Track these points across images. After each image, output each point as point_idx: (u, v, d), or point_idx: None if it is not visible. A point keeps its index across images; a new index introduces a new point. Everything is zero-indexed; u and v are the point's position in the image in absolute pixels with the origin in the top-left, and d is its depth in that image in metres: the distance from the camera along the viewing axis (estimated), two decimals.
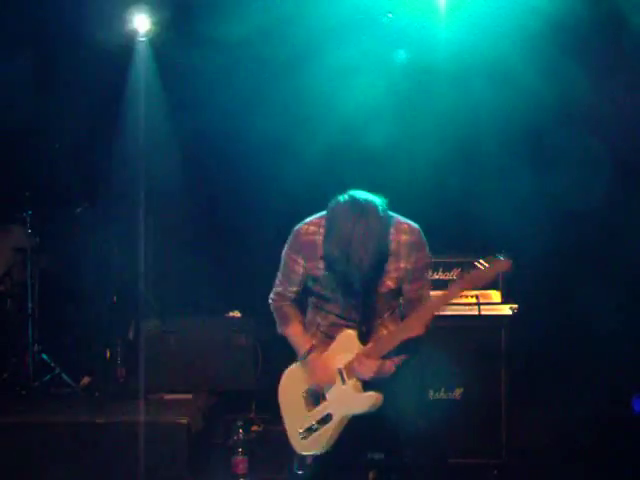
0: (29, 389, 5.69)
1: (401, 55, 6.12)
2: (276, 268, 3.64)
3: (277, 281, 3.61)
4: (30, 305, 5.91)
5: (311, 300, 3.62)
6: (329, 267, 3.34)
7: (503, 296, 4.87)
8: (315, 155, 5.86)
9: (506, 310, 4.81)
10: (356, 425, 3.48)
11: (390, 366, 3.40)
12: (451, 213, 6.03)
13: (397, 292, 3.51)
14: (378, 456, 4.34)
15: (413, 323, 3.35)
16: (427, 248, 3.47)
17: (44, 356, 5.88)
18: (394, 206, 3.44)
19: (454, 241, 5.71)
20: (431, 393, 4.75)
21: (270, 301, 3.65)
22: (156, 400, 5.56)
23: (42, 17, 6.10)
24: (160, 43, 6.38)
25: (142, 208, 6.48)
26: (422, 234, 3.46)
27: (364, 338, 3.46)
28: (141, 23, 6.37)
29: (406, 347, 3.39)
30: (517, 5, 5.72)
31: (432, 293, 3.56)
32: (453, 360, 4.69)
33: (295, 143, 6.01)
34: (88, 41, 6.06)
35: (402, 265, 3.40)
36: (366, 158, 5.89)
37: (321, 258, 3.37)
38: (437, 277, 4.88)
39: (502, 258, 3.24)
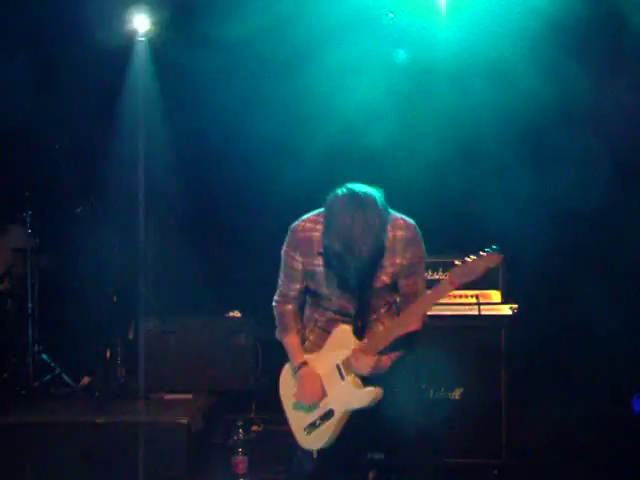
0: (29, 389, 5.69)
1: (401, 55, 6.12)
2: (276, 268, 3.64)
3: (279, 281, 3.61)
4: (30, 305, 5.92)
5: (308, 297, 3.62)
6: (327, 262, 3.35)
7: (503, 296, 4.87)
8: (315, 155, 5.86)
9: (506, 310, 4.81)
10: (355, 424, 3.48)
11: (386, 361, 3.40)
12: (451, 213, 6.03)
13: (392, 287, 3.51)
14: (378, 456, 4.34)
15: (408, 318, 3.35)
16: (422, 244, 3.48)
17: (44, 356, 5.88)
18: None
19: (454, 241, 5.70)
20: (431, 393, 4.75)
21: (274, 304, 3.65)
22: (156, 400, 5.57)
23: (42, 17, 6.10)
24: (160, 43, 6.38)
25: (142, 208, 6.48)
26: (418, 230, 3.47)
27: (359, 333, 3.47)
28: (141, 23, 6.37)
29: (402, 343, 3.39)
30: (517, 5, 5.72)
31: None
32: (453, 360, 4.69)
33: (295, 143, 6.01)
34: (88, 41, 6.06)
35: (397, 261, 3.41)
36: (366, 158, 5.89)
37: (318, 254, 3.39)
38: (437, 277, 4.88)
39: (492, 252, 3.22)
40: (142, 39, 6.40)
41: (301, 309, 3.67)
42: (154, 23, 6.38)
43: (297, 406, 3.54)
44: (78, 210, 6.02)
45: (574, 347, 5.87)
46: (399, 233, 3.40)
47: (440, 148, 5.90)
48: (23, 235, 5.98)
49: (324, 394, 3.48)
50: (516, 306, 4.81)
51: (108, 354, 5.90)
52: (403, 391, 3.49)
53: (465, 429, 4.70)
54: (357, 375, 3.41)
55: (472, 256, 3.22)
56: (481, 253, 3.21)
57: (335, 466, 3.60)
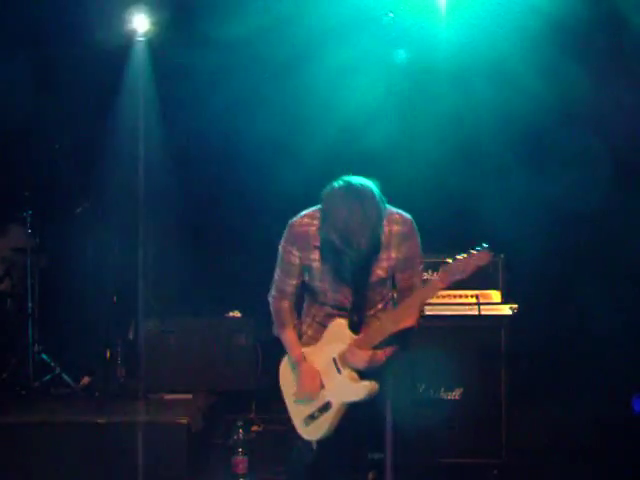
0: (29, 389, 5.69)
1: (401, 55, 6.12)
2: None
3: (276, 276, 3.63)
4: (30, 305, 5.91)
5: (306, 292, 3.64)
6: (324, 256, 3.39)
7: (503, 296, 4.87)
8: (314, 155, 5.86)
9: (506, 310, 4.81)
10: (353, 418, 3.50)
11: (381, 356, 3.42)
12: (451, 213, 6.03)
13: (389, 282, 3.53)
14: (378, 456, 4.35)
15: (403, 313, 3.37)
16: (418, 239, 3.50)
17: (44, 356, 5.88)
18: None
19: (454, 241, 5.70)
20: (431, 393, 4.75)
21: (270, 299, 3.66)
22: (156, 400, 5.57)
23: (41, 17, 6.10)
24: (159, 43, 6.38)
25: (142, 208, 6.48)
26: (414, 224, 3.49)
27: (355, 328, 3.49)
28: (140, 23, 6.36)
29: (397, 338, 3.41)
30: (517, 5, 5.72)
31: None
32: (453, 360, 4.69)
33: (294, 143, 6.01)
34: (88, 41, 6.06)
35: (393, 255, 3.43)
36: (366, 158, 5.86)
37: (315, 248, 3.42)
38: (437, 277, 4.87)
39: (482, 250, 3.23)
40: (141, 39, 6.40)
41: (299, 304, 3.69)
42: (153, 23, 6.38)
43: (296, 398, 3.57)
44: (78, 210, 6.02)
45: (574, 347, 5.88)
46: (395, 228, 3.42)
47: (440, 148, 5.91)
48: (23, 235, 5.98)
49: (322, 387, 3.50)
50: (516, 306, 4.81)
51: (108, 354, 5.89)
52: (395, 391, 3.52)
53: (465, 429, 4.70)
54: (353, 369, 3.43)
55: (463, 254, 3.25)
56: (471, 251, 3.25)
57: (333, 458, 3.63)
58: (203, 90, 6.28)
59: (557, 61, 5.79)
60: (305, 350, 3.56)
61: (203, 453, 5.10)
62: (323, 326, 3.57)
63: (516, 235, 5.48)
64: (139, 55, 6.41)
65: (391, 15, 6.01)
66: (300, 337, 3.62)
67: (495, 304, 4.86)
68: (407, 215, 3.48)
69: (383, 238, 3.38)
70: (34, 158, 6.32)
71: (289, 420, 3.61)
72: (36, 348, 5.86)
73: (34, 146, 6.34)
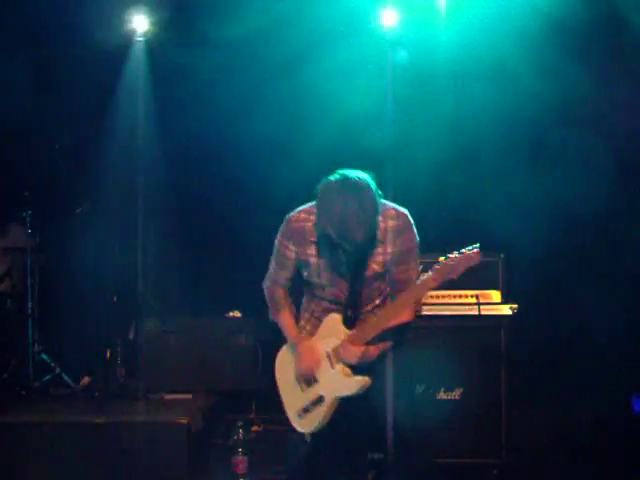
0: (29, 389, 5.69)
1: (402, 56, 6.12)
2: None
3: (271, 268, 3.67)
4: (30, 305, 5.92)
5: (305, 287, 3.67)
6: (321, 251, 3.42)
7: (503, 296, 4.87)
8: (313, 156, 5.85)
9: (506, 310, 4.81)
10: (347, 414, 3.53)
11: (374, 351, 3.45)
12: (451, 213, 6.04)
13: (385, 277, 3.53)
14: (378, 456, 4.35)
15: (397, 309, 3.40)
16: (414, 233, 3.50)
17: (44, 356, 5.88)
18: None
19: (454, 241, 5.69)
20: (431, 393, 4.75)
21: (264, 287, 3.70)
22: (156, 400, 5.56)
23: (41, 17, 6.09)
24: (158, 43, 6.37)
25: (142, 208, 6.48)
26: (409, 218, 3.50)
27: (349, 323, 3.51)
28: (139, 23, 6.35)
29: (392, 334, 3.44)
30: (517, 6, 5.72)
31: None
32: (453, 360, 4.69)
33: (293, 144, 6.01)
34: (87, 41, 6.06)
35: (389, 249, 3.45)
36: (365, 159, 5.85)
37: (311, 243, 3.45)
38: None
39: (472, 250, 3.27)
40: (141, 39, 6.39)
41: (298, 299, 3.72)
42: (153, 23, 6.36)
43: (291, 390, 3.61)
44: (78, 210, 6.02)
45: (574, 347, 5.88)
46: (390, 223, 3.44)
47: (440, 148, 5.91)
48: (23, 235, 5.98)
49: (315, 381, 3.53)
50: (516, 306, 4.81)
51: (108, 354, 5.90)
52: (396, 389, 3.54)
53: (465, 429, 4.70)
54: (346, 364, 3.46)
55: (455, 254, 3.28)
56: (463, 251, 3.28)
57: (331, 456, 3.69)
58: (202, 90, 6.28)
59: (557, 61, 5.80)
60: None
61: (203, 453, 5.10)
62: (320, 321, 3.60)
63: (516, 235, 5.47)
64: (138, 55, 6.39)
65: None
66: (297, 323, 3.66)
67: (495, 304, 4.86)
68: (402, 210, 3.51)
69: (379, 234, 3.41)
70: (34, 158, 6.32)
71: (289, 420, 3.62)
72: (36, 348, 5.86)
73: (34, 146, 6.34)
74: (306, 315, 3.67)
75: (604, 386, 5.43)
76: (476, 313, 4.80)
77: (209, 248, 6.60)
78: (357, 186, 3.29)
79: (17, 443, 4.82)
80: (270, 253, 3.74)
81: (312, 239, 3.45)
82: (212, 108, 6.20)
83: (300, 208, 3.55)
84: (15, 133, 6.20)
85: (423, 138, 5.97)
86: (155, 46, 6.38)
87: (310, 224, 3.45)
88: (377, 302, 3.57)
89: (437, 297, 4.88)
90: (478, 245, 3.29)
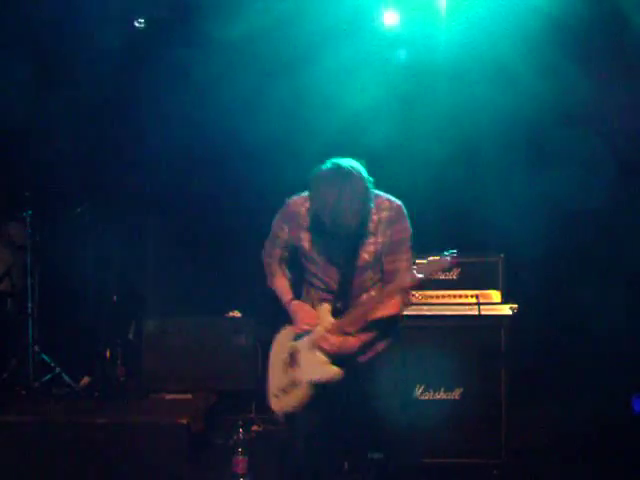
0: (29, 389, 5.69)
1: (402, 55, 6.12)
2: None
3: (266, 242, 3.77)
4: (30, 305, 5.92)
5: (304, 276, 3.72)
6: (314, 239, 3.48)
7: (503, 296, 4.87)
8: (315, 155, 5.79)
9: (506, 310, 4.81)
10: (343, 412, 3.56)
11: (354, 343, 3.49)
12: (451, 213, 6.03)
13: (376, 266, 3.55)
14: (378, 456, 4.35)
15: (379, 300, 3.44)
16: (406, 223, 3.53)
17: (44, 356, 5.88)
18: None
19: (454, 241, 5.69)
20: (431, 393, 4.75)
21: (262, 256, 3.80)
22: (156, 400, 5.57)
23: (42, 17, 6.09)
24: (159, 42, 6.37)
25: (142, 208, 6.48)
26: (402, 210, 3.53)
27: (338, 314, 3.55)
28: (143, 22, 6.35)
29: (376, 326, 3.47)
30: (517, 5, 5.72)
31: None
32: (453, 360, 4.69)
33: (294, 144, 6.01)
34: (88, 41, 6.06)
35: (380, 239, 3.49)
36: (366, 158, 5.87)
37: (305, 229, 3.52)
38: (437, 277, 4.87)
39: (445, 255, 3.33)
40: (142, 38, 6.39)
41: (299, 287, 3.77)
42: (154, 23, 6.37)
43: (275, 370, 3.70)
44: (78, 210, 6.03)
45: (574, 347, 5.87)
46: (383, 214, 3.49)
47: (440, 148, 5.90)
48: (23, 235, 5.98)
49: (297, 365, 3.58)
50: (516, 306, 4.81)
51: (108, 354, 5.90)
52: (384, 390, 3.59)
53: (465, 429, 4.70)
54: (325, 354, 3.51)
55: (435, 257, 3.34)
56: (444, 254, 3.34)
57: (327, 453, 3.77)
58: (203, 90, 6.28)
59: (557, 61, 5.79)
60: (291, 327, 3.66)
61: (203, 453, 5.10)
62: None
63: (516, 235, 5.48)
64: (139, 54, 6.40)
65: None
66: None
67: (495, 304, 4.86)
68: (396, 201, 3.55)
69: (372, 224, 3.45)
70: (34, 158, 6.32)
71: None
72: (36, 348, 5.86)
73: (34, 146, 6.34)
74: (307, 303, 3.69)
75: (604, 386, 5.43)
76: (476, 313, 4.80)
77: (209, 248, 6.60)
78: (349, 174, 3.34)
79: (17, 443, 4.83)
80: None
81: (305, 224, 3.51)
82: (213, 107, 6.20)
83: (300, 194, 3.60)
84: (15, 133, 6.20)
85: (423, 138, 5.97)
86: (156, 45, 6.38)
87: (304, 209, 3.52)
88: (372, 293, 3.58)
89: (437, 297, 4.88)
90: (455, 251, 3.34)
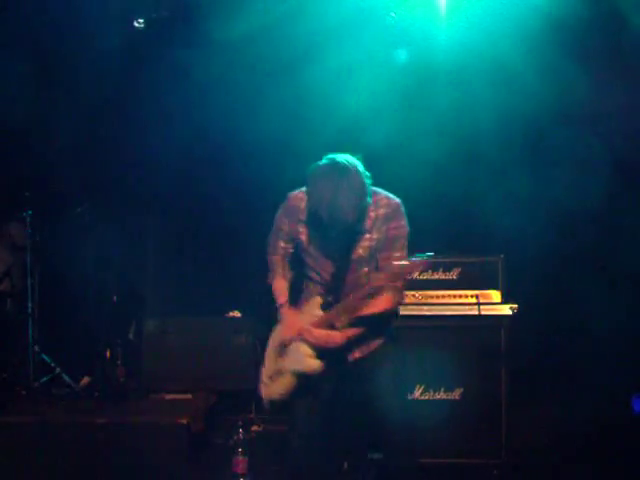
0: (29, 389, 5.69)
1: (402, 55, 6.12)
2: None
3: (270, 235, 3.80)
4: (30, 305, 5.92)
5: (303, 269, 3.75)
6: (311, 234, 3.52)
7: (503, 296, 4.87)
8: (316, 155, 5.82)
9: (506, 310, 4.81)
10: (343, 421, 3.58)
11: (338, 337, 3.51)
12: (451, 213, 6.03)
13: (371, 262, 3.57)
14: (377, 456, 4.35)
15: (361, 297, 3.46)
16: (402, 221, 3.55)
17: (44, 356, 5.88)
18: None
19: (454, 241, 5.71)
20: (431, 393, 4.75)
21: (266, 252, 3.83)
22: (156, 400, 5.57)
23: (42, 16, 6.09)
24: (159, 42, 6.37)
25: (142, 208, 6.48)
26: (400, 207, 3.56)
27: (327, 307, 3.58)
28: (142, 23, 6.35)
29: (366, 322, 3.50)
30: (517, 5, 5.72)
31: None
32: (453, 360, 4.69)
33: (295, 143, 6.01)
34: (88, 40, 6.05)
35: (375, 236, 3.52)
36: (366, 158, 5.87)
37: (303, 222, 3.56)
38: (437, 277, 4.88)
39: (418, 259, 3.37)
40: (142, 38, 6.38)
41: (300, 281, 3.80)
42: (154, 22, 6.37)
43: (269, 357, 3.72)
44: (78, 210, 6.03)
45: (574, 347, 5.87)
46: (381, 211, 3.52)
47: (440, 148, 5.90)
48: (23, 235, 5.98)
49: (285, 354, 3.61)
50: (516, 306, 4.81)
51: (108, 354, 5.90)
52: (380, 391, 3.60)
53: (465, 429, 4.70)
54: (309, 346, 3.54)
55: (411, 259, 3.37)
56: (418, 256, 3.38)
57: (327, 453, 3.81)
58: (204, 90, 6.28)
59: (557, 61, 5.79)
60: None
61: (203, 453, 5.10)
62: None
63: (516, 235, 5.48)
64: (139, 54, 6.39)
65: (393, 15, 6.02)
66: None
67: (495, 304, 4.86)
68: (395, 199, 3.57)
69: (368, 222, 3.48)
70: (34, 158, 6.32)
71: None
72: (36, 348, 5.86)
73: (34, 146, 6.33)
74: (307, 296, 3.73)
75: (604, 386, 5.43)
76: (476, 313, 4.80)
77: (210, 248, 6.60)
78: (346, 169, 3.36)
79: (17, 443, 4.82)
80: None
81: (304, 219, 3.56)
82: (213, 107, 6.20)
83: (301, 189, 3.63)
84: (15, 133, 6.20)
85: (423, 137, 5.96)
86: (157, 45, 6.38)
87: (303, 204, 3.55)
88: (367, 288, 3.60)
89: (437, 297, 4.88)
90: (432, 254, 3.38)
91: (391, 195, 3.58)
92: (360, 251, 3.52)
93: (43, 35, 6.19)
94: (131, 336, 6.15)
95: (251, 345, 5.84)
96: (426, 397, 4.74)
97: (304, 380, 3.57)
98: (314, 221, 3.41)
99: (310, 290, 3.70)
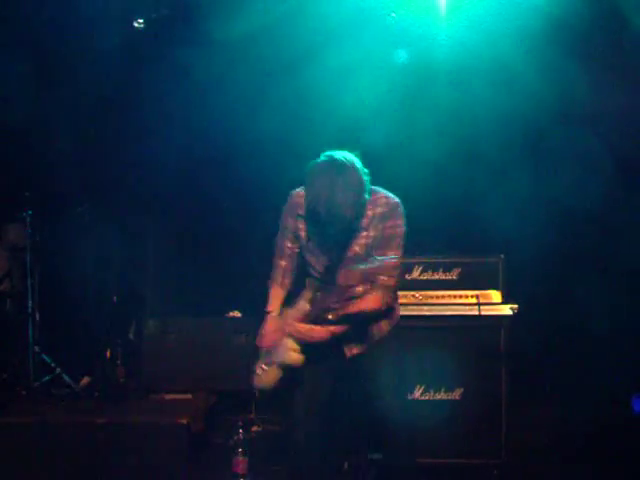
0: (29, 389, 5.69)
1: (402, 55, 6.12)
2: None
3: (277, 236, 3.82)
4: (30, 305, 5.91)
5: (305, 267, 3.77)
6: (309, 230, 3.55)
7: (503, 296, 4.87)
8: (315, 155, 5.83)
9: (506, 310, 4.81)
10: (344, 421, 3.59)
11: (320, 332, 3.53)
12: (451, 213, 6.03)
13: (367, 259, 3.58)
14: (377, 456, 4.36)
15: (336, 292, 3.50)
16: (399, 220, 3.56)
17: (44, 356, 5.88)
18: None
19: (454, 241, 5.71)
20: (431, 393, 4.75)
21: (273, 252, 3.86)
22: (156, 400, 5.57)
23: (41, 16, 6.09)
24: (160, 42, 6.37)
25: (142, 208, 6.48)
26: (398, 207, 3.57)
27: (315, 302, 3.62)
28: (142, 23, 6.35)
29: (353, 320, 3.52)
30: (517, 5, 5.72)
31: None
32: (453, 360, 4.69)
33: (295, 143, 6.00)
34: (88, 40, 6.05)
35: (371, 234, 3.53)
36: (366, 158, 5.87)
37: (303, 220, 3.59)
38: (437, 277, 4.88)
39: (386, 260, 3.44)
40: (143, 38, 6.38)
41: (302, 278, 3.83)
42: (155, 22, 6.36)
43: (264, 351, 3.78)
44: (78, 210, 6.03)
45: (574, 347, 5.87)
46: (378, 210, 3.53)
47: (440, 148, 5.90)
48: (23, 235, 5.98)
49: (276, 345, 3.66)
50: (516, 306, 4.80)
51: (108, 354, 5.90)
52: (379, 390, 3.64)
53: (465, 429, 4.69)
54: (294, 340, 3.59)
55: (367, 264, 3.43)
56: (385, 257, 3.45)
57: (328, 452, 3.84)
58: (205, 90, 6.28)
59: (558, 60, 5.79)
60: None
61: (203, 453, 5.10)
62: None
63: (516, 235, 5.47)
64: (139, 54, 6.39)
65: (394, 15, 6.02)
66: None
67: (495, 304, 4.85)
68: (394, 198, 3.58)
69: (366, 220, 3.49)
70: (34, 158, 6.32)
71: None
72: (36, 348, 5.86)
73: (34, 146, 6.33)
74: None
75: (604, 386, 5.43)
76: (476, 313, 4.79)
77: (210, 248, 6.60)
78: (343, 166, 3.39)
79: (17, 443, 4.82)
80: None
81: (303, 214, 3.57)
82: (213, 107, 6.20)
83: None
84: (15, 133, 6.20)
85: (423, 137, 5.96)
86: (158, 45, 6.38)
87: (303, 200, 3.56)
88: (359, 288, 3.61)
89: (437, 297, 4.88)
90: (396, 257, 3.45)
91: (391, 194, 3.58)
92: (356, 248, 3.54)
93: (43, 35, 6.19)
94: (131, 336, 6.15)
95: (251, 345, 5.83)
96: (426, 397, 4.74)
97: (289, 372, 3.64)
98: (312, 218, 3.42)
99: (311, 285, 3.72)
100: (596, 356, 5.69)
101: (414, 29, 6.03)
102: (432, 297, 4.87)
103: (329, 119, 5.91)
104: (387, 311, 3.65)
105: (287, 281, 3.81)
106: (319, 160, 3.47)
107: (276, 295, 3.79)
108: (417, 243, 4.53)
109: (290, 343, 3.59)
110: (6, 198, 6.09)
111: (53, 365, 5.85)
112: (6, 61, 5.96)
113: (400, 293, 4.00)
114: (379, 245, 3.52)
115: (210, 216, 6.58)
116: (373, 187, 3.52)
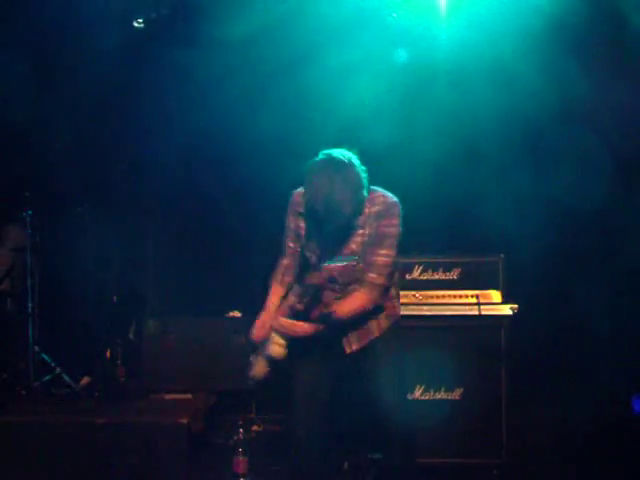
0: (29, 389, 5.69)
1: (402, 55, 6.12)
2: None
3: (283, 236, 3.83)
4: (30, 305, 5.91)
5: (306, 266, 3.79)
6: (308, 228, 3.57)
7: (503, 296, 4.87)
8: (315, 155, 5.83)
9: (506, 310, 4.81)
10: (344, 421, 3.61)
11: (303, 328, 3.55)
12: (451, 213, 6.03)
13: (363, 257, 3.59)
14: (377, 456, 4.36)
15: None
16: (395, 220, 3.56)
17: (44, 356, 5.88)
18: None
19: (454, 241, 5.70)
20: (431, 393, 4.75)
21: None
22: (156, 400, 5.57)
23: (42, 16, 6.09)
24: (160, 42, 6.37)
25: (143, 208, 6.48)
26: (395, 207, 3.57)
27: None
28: (142, 23, 6.35)
29: (332, 317, 3.54)
30: (518, 5, 5.72)
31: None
32: (453, 360, 4.69)
33: (295, 143, 6.00)
34: (88, 41, 6.05)
35: (367, 231, 3.54)
36: (366, 158, 5.87)
37: (303, 218, 3.61)
38: (437, 277, 4.88)
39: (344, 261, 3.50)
40: (143, 38, 6.38)
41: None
42: (155, 22, 6.36)
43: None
44: (78, 210, 6.03)
45: (574, 347, 5.87)
46: (375, 208, 3.53)
47: (440, 148, 5.90)
48: (23, 235, 5.98)
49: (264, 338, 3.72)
50: (516, 306, 4.80)
51: (108, 354, 5.90)
52: (379, 390, 3.63)
53: (465, 429, 4.69)
54: (280, 335, 3.64)
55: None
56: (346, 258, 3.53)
57: (328, 452, 3.85)
58: (205, 90, 6.28)
59: (558, 60, 5.79)
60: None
61: (203, 453, 5.10)
62: None
63: (516, 235, 5.47)
64: (139, 54, 6.39)
65: (394, 15, 6.02)
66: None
67: (495, 304, 4.85)
68: (392, 197, 3.58)
69: (362, 218, 3.50)
70: (34, 158, 6.32)
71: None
72: (36, 348, 5.86)
73: (34, 146, 6.33)
74: None
75: (604, 386, 5.43)
76: (476, 313, 4.79)
77: (210, 248, 6.60)
78: (341, 163, 3.41)
79: (17, 443, 4.82)
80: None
81: (301, 211, 3.60)
82: (214, 107, 6.19)
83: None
84: (15, 133, 6.19)
85: (423, 137, 5.96)
86: (158, 45, 6.38)
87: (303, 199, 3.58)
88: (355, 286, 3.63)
89: (437, 297, 4.88)
90: (355, 258, 3.49)
91: (389, 194, 3.59)
92: (353, 246, 3.55)
93: (43, 35, 6.19)
94: (131, 336, 6.15)
95: (251, 345, 5.83)
96: (426, 397, 4.74)
97: (273, 364, 3.70)
98: (311, 215, 3.44)
99: (300, 281, 3.76)
100: (596, 356, 5.69)
101: (414, 29, 6.03)
102: (432, 297, 4.87)
103: (329, 119, 5.91)
104: (376, 309, 3.64)
105: (287, 279, 3.81)
106: (317, 158, 3.49)
107: (275, 292, 3.81)
108: (417, 243, 4.55)
109: (275, 337, 3.64)
110: (6, 198, 6.10)
111: (53, 365, 5.85)
112: (6, 61, 5.96)
113: (400, 293, 3.99)
114: (371, 242, 3.53)
115: (210, 216, 6.58)
116: (372, 186, 3.52)
